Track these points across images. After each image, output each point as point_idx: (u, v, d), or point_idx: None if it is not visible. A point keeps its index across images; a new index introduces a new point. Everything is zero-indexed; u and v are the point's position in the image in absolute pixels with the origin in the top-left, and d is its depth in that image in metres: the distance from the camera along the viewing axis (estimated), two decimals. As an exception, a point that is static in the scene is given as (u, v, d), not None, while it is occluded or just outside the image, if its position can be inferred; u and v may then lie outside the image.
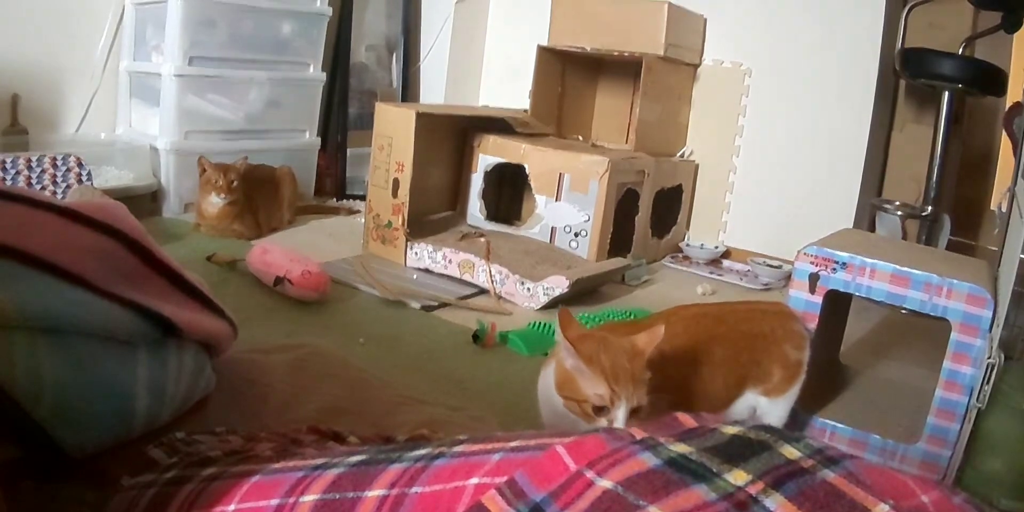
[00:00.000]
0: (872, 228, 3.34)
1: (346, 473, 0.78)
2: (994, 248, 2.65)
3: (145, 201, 3.30)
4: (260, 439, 1.09)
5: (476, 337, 2.33)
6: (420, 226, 3.14)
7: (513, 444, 0.73)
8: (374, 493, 0.74)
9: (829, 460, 0.62)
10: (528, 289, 2.71)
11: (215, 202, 3.11)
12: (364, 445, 1.05)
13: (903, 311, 2.73)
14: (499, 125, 3.42)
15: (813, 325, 1.82)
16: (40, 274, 0.98)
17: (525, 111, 3.58)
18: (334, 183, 4.14)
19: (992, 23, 3.20)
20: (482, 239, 3.07)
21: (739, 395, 1.65)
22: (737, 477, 0.60)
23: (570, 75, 3.77)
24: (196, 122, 3.42)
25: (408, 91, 4.38)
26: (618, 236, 3.19)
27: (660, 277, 3.32)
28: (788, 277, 3.14)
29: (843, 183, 3.40)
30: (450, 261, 2.92)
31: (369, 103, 3.58)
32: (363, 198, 3.66)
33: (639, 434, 0.67)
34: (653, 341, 1.33)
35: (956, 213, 3.25)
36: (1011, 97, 2.58)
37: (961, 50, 3.31)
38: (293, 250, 2.71)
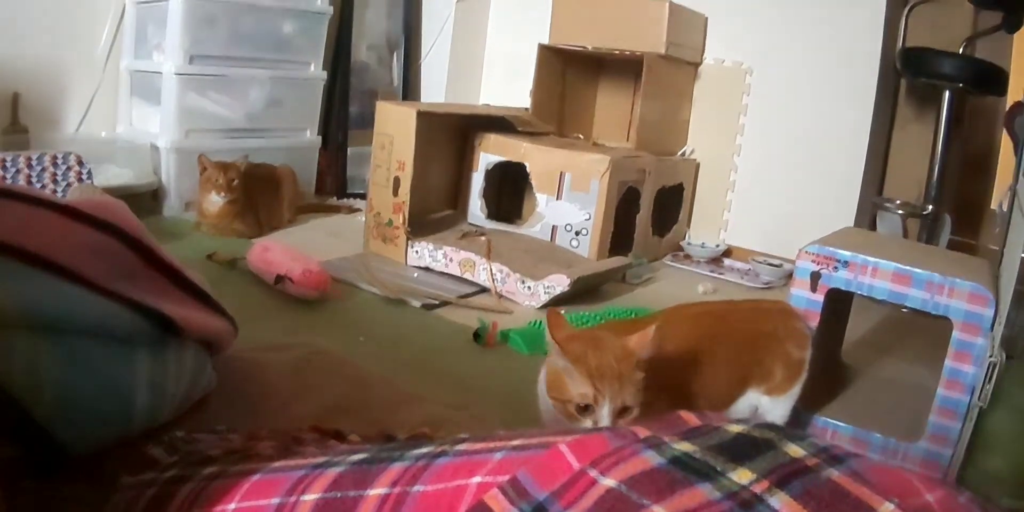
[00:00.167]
0: (873, 227, 3.33)
1: (347, 472, 0.78)
2: (995, 247, 2.64)
3: (146, 200, 3.30)
4: (261, 438, 1.08)
5: (477, 336, 2.33)
6: (421, 225, 3.14)
7: (515, 442, 0.73)
8: (376, 492, 0.73)
9: (834, 459, 0.62)
10: (529, 288, 2.71)
11: (216, 201, 3.10)
12: (365, 444, 1.05)
13: (904, 310, 2.72)
14: (500, 124, 3.41)
15: (815, 324, 1.82)
16: (40, 272, 0.98)
17: (526, 110, 3.58)
18: (335, 182, 4.14)
19: (993, 23, 3.20)
20: (483, 238, 3.06)
21: (741, 394, 1.65)
22: (741, 476, 0.60)
23: (571, 74, 3.77)
24: (197, 121, 3.42)
25: (409, 90, 4.38)
26: (619, 235, 3.19)
27: (661, 276, 3.32)
28: (789, 276, 3.13)
29: (844, 182, 3.39)
30: (451, 260, 2.92)
31: (370, 102, 3.57)
32: (364, 197, 3.66)
33: (642, 433, 0.67)
34: (643, 342, 1.32)
35: (957, 212, 3.25)
36: (1012, 97, 2.58)
37: (962, 50, 3.30)
38: (294, 249, 2.70)
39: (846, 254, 1.80)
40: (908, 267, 1.75)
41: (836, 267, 1.81)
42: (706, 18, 3.67)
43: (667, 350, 1.52)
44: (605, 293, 2.93)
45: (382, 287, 2.66)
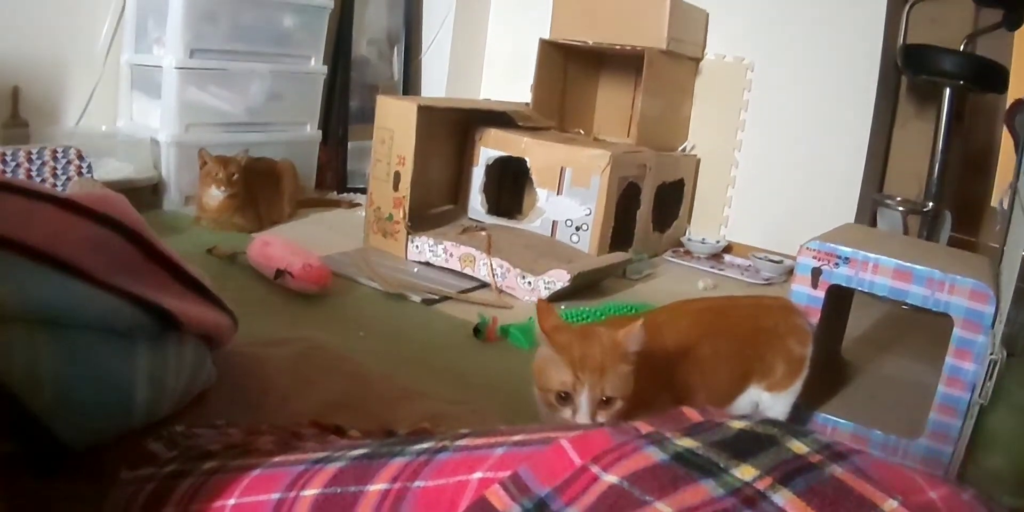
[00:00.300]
0: (873, 223, 3.33)
1: (348, 467, 0.78)
2: (995, 245, 2.64)
3: (146, 194, 3.29)
4: (261, 432, 1.08)
5: (477, 331, 2.33)
6: (421, 219, 3.14)
7: (516, 438, 0.72)
8: (376, 487, 0.73)
9: (837, 455, 0.62)
10: (529, 283, 2.71)
11: (216, 195, 3.10)
12: (365, 439, 1.05)
13: (904, 306, 2.72)
14: (501, 119, 3.41)
15: (815, 320, 1.82)
16: (40, 266, 0.97)
17: (527, 105, 3.58)
18: (335, 176, 4.13)
19: (993, 20, 3.19)
20: (483, 233, 3.06)
21: (743, 390, 1.65)
22: (745, 472, 0.59)
23: (572, 69, 3.76)
24: (197, 115, 3.41)
25: (409, 84, 4.37)
26: (619, 230, 3.19)
27: (661, 271, 3.32)
28: (789, 272, 3.14)
29: (844, 178, 3.40)
30: (451, 254, 2.92)
31: (370, 96, 3.57)
32: (364, 191, 3.66)
33: (645, 428, 0.67)
34: (631, 335, 1.31)
35: (957, 209, 3.25)
36: (1012, 94, 2.57)
37: (963, 47, 3.30)
38: (294, 243, 2.70)
39: (847, 250, 1.80)
40: (909, 264, 1.75)
41: (837, 263, 1.81)
42: (707, 13, 3.66)
43: (669, 346, 1.53)
44: (605, 289, 2.93)
45: (382, 282, 2.65)
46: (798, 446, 0.62)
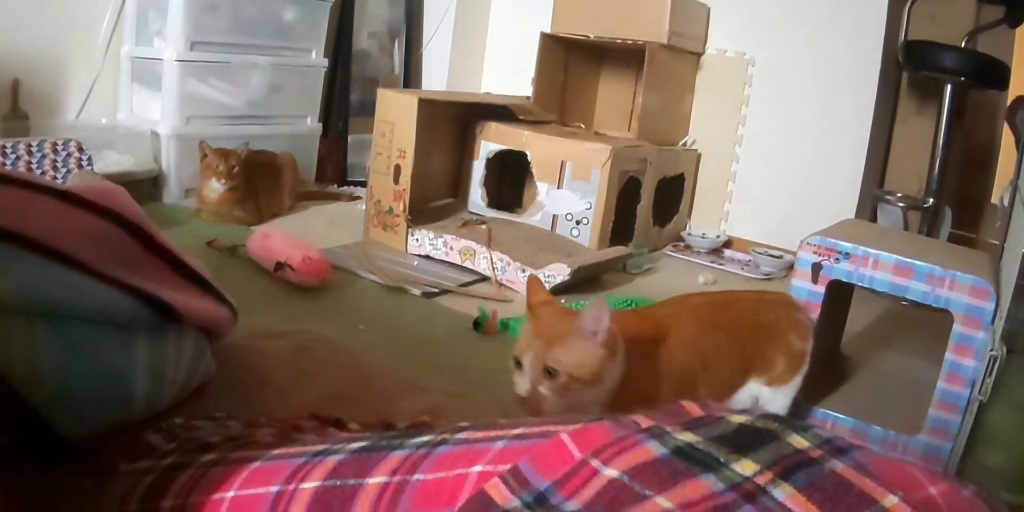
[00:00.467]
0: (874, 219, 3.33)
1: (347, 460, 0.77)
2: (995, 241, 2.64)
3: (146, 186, 3.29)
4: (260, 425, 1.08)
5: (477, 324, 2.33)
6: (421, 213, 3.13)
7: (516, 431, 0.72)
8: (375, 480, 0.73)
9: (837, 450, 0.62)
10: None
11: (216, 188, 3.10)
12: (365, 432, 1.05)
13: (904, 302, 2.72)
14: (501, 112, 3.41)
15: (815, 315, 1.82)
16: (39, 258, 0.97)
17: (527, 98, 3.58)
18: (335, 169, 4.13)
19: (995, 17, 3.19)
20: (483, 226, 3.06)
21: (743, 384, 1.65)
22: (745, 467, 0.59)
23: (573, 62, 3.76)
24: (198, 107, 3.41)
25: (410, 78, 4.37)
26: (619, 224, 3.19)
27: (661, 266, 3.32)
28: (789, 267, 3.14)
29: (845, 174, 3.39)
30: (451, 248, 2.92)
31: (371, 90, 3.56)
32: (364, 184, 3.66)
33: (645, 422, 0.67)
34: (587, 314, 1.31)
35: (957, 206, 3.25)
36: (1013, 91, 2.57)
37: (964, 43, 3.30)
38: (294, 236, 2.70)
39: (847, 246, 1.80)
40: (909, 259, 1.75)
41: (837, 259, 1.81)
42: (708, 8, 3.66)
43: (670, 340, 1.53)
44: (605, 283, 2.93)
45: (382, 275, 2.65)
46: (799, 441, 0.62)
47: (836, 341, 2.34)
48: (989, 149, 3.34)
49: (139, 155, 3.30)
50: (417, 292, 2.59)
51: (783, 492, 0.57)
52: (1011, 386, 1.71)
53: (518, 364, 1.32)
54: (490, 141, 3.35)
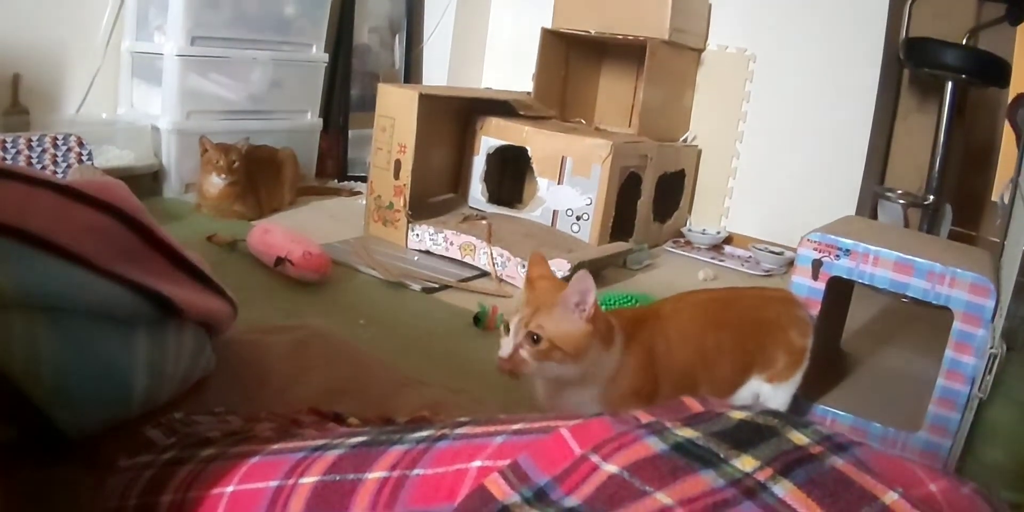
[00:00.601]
0: (874, 216, 3.33)
1: (347, 454, 0.77)
2: (995, 239, 2.64)
3: (146, 181, 3.29)
4: (260, 420, 1.08)
5: (477, 319, 2.33)
6: (421, 208, 3.13)
7: (516, 427, 0.72)
8: (375, 475, 0.73)
9: (838, 447, 0.62)
10: (529, 273, 2.71)
11: (216, 182, 3.10)
12: (365, 426, 1.05)
13: (904, 299, 2.72)
14: (502, 107, 3.41)
15: (815, 312, 1.82)
16: (39, 253, 0.97)
17: (528, 94, 3.57)
18: (335, 164, 4.13)
19: (996, 15, 3.19)
20: (484, 222, 3.06)
21: (744, 382, 1.65)
22: (745, 463, 0.59)
23: (574, 58, 3.76)
24: (198, 102, 3.41)
25: (411, 73, 4.37)
26: (620, 220, 3.19)
27: (661, 262, 3.32)
28: (789, 263, 3.14)
29: (846, 170, 3.39)
30: (451, 243, 2.92)
31: (371, 85, 3.56)
32: (364, 179, 3.66)
33: (645, 418, 0.67)
34: (580, 288, 1.34)
35: (958, 203, 3.25)
36: (1014, 89, 2.57)
37: (965, 41, 3.30)
38: (294, 231, 2.70)
39: (848, 242, 1.80)
40: (910, 256, 1.75)
41: (838, 255, 1.81)
42: (710, 4, 3.66)
43: (671, 337, 1.53)
44: (605, 278, 2.93)
45: (382, 270, 2.65)
46: (799, 437, 0.62)
47: (836, 338, 2.34)
48: (990, 147, 3.34)
49: (139, 150, 3.30)
50: (417, 287, 2.59)
51: (783, 488, 0.57)
52: (1011, 384, 1.71)
53: (507, 328, 1.36)
54: (491, 136, 3.34)
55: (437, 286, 2.63)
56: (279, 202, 3.41)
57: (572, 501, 0.61)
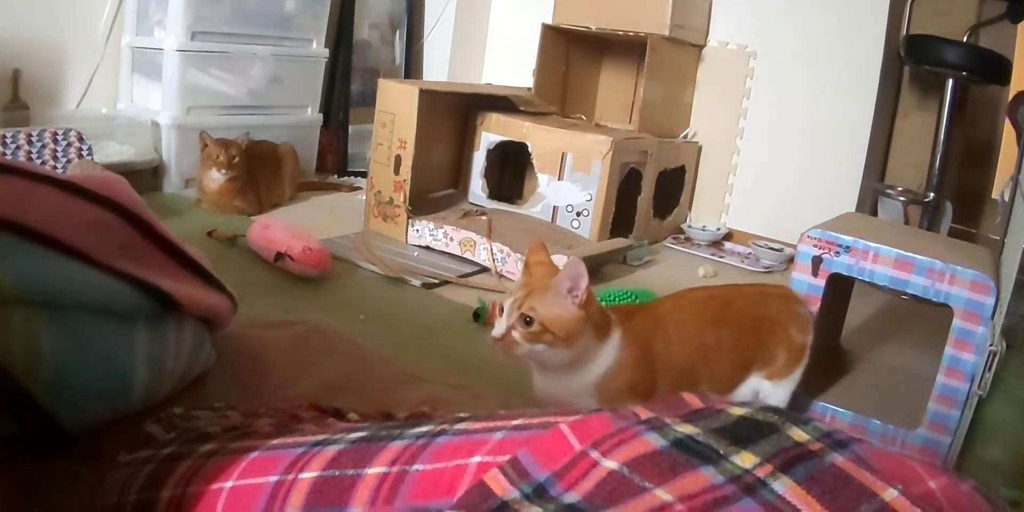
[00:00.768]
0: (874, 213, 3.33)
1: (346, 450, 0.77)
2: (995, 237, 2.64)
3: (146, 176, 3.29)
4: (259, 415, 1.08)
5: (477, 315, 2.33)
6: (422, 203, 3.13)
7: (516, 422, 0.72)
8: (374, 470, 0.73)
9: (837, 444, 0.62)
10: (529, 269, 2.71)
11: (216, 178, 3.10)
12: (364, 422, 1.05)
13: (904, 296, 2.72)
14: (502, 103, 3.40)
15: (815, 308, 1.82)
16: (39, 248, 0.97)
17: (528, 89, 3.57)
18: (336, 160, 4.13)
19: (997, 12, 3.19)
20: (484, 217, 3.06)
21: (744, 379, 1.65)
22: (745, 460, 0.59)
23: (574, 54, 3.75)
24: (198, 97, 3.41)
25: (411, 69, 4.36)
26: (620, 216, 3.19)
27: (661, 258, 3.32)
28: (789, 260, 3.14)
29: (846, 167, 3.39)
30: (451, 239, 2.92)
31: (372, 80, 3.56)
32: (365, 175, 3.66)
33: (644, 414, 0.67)
34: (571, 273, 1.38)
35: (958, 200, 3.25)
36: (1015, 86, 2.57)
37: (966, 38, 3.30)
38: (294, 226, 2.70)
39: (848, 239, 1.80)
40: (910, 254, 1.75)
41: (838, 252, 1.81)
42: (710, 0, 3.65)
43: (670, 334, 1.53)
44: (605, 274, 2.93)
45: (382, 265, 2.65)
46: (799, 434, 0.62)
47: (836, 335, 2.34)
48: (990, 144, 3.33)
49: (139, 145, 3.29)
50: (417, 283, 2.59)
51: (783, 485, 0.57)
52: (1010, 381, 1.71)
53: (502, 310, 1.38)
54: (491, 132, 3.34)
55: (437, 282, 2.63)
56: (279, 197, 3.41)
57: (572, 497, 0.61)
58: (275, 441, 0.85)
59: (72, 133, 2.93)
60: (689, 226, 3.68)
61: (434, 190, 3.39)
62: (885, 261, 1.77)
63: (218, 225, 2.86)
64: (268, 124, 3.61)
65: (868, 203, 3.40)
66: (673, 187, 3.64)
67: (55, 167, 2.88)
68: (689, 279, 3.01)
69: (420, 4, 4.32)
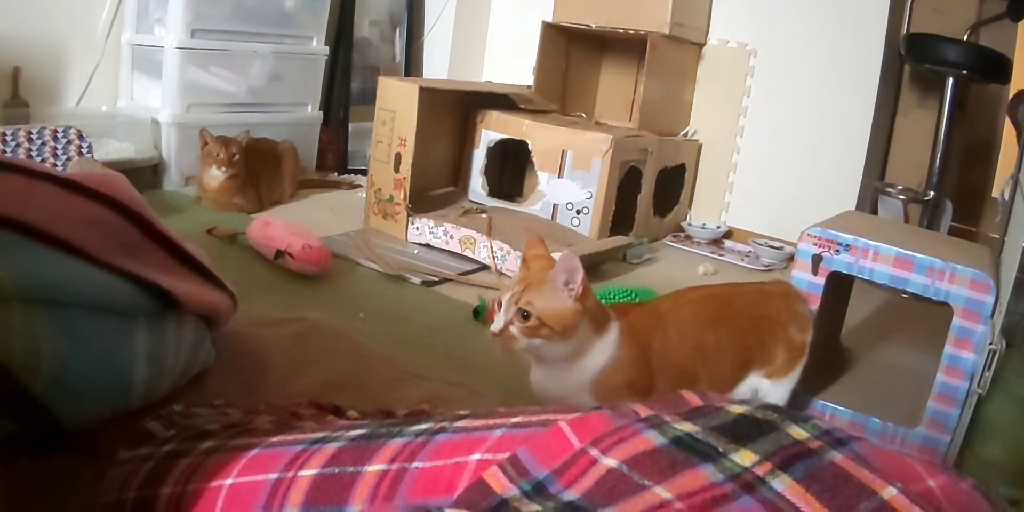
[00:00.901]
0: (874, 212, 3.33)
1: (346, 447, 0.77)
2: (995, 235, 2.64)
3: (146, 174, 3.29)
4: (259, 412, 1.08)
5: (477, 313, 2.33)
6: (422, 201, 3.13)
7: (515, 420, 0.72)
8: (374, 468, 0.73)
9: (837, 442, 0.62)
10: (529, 267, 2.71)
11: (216, 175, 3.09)
12: (364, 419, 1.05)
13: (904, 295, 2.72)
14: (502, 101, 3.40)
15: (815, 306, 1.82)
16: (39, 245, 0.97)
17: (529, 87, 3.57)
18: (336, 157, 4.12)
19: (998, 11, 3.18)
20: (484, 215, 3.06)
21: (744, 377, 1.65)
22: (744, 457, 0.59)
23: (574, 52, 3.75)
24: (198, 95, 3.40)
25: (411, 66, 4.36)
26: (620, 214, 3.18)
27: (661, 256, 3.32)
28: (789, 258, 3.14)
29: (846, 166, 3.39)
30: (451, 237, 2.92)
31: (372, 78, 3.56)
32: (365, 173, 3.66)
33: (644, 411, 0.67)
34: (567, 267, 1.38)
35: (958, 199, 3.25)
36: (1015, 85, 2.57)
37: (966, 37, 3.30)
38: (294, 224, 2.70)
39: (848, 237, 1.80)
40: (910, 252, 1.75)
41: (838, 250, 1.81)
42: (711, -2, 3.65)
43: (669, 333, 1.53)
44: (605, 272, 2.92)
45: (382, 263, 2.65)
46: (798, 432, 0.62)
47: (836, 333, 2.34)
48: (990, 143, 3.33)
49: (139, 143, 3.29)
50: (417, 280, 2.59)
51: (782, 483, 0.57)
52: (1010, 380, 1.71)
53: (500, 305, 1.39)
54: (491, 130, 3.34)
55: (437, 279, 2.63)
56: (279, 195, 3.41)
57: (571, 495, 0.61)
58: (275, 438, 0.85)
59: (72, 131, 2.93)
60: (689, 224, 3.67)
61: (434, 188, 3.39)
62: (885, 259, 1.77)
63: (218, 223, 2.86)
64: (268, 122, 3.61)
65: (868, 201, 3.39)
66: (673, 185, 3.63)
67: (55, 165, 2.87)
68: (689, 277, 3.01)
69: (420, 2, 4.32)
